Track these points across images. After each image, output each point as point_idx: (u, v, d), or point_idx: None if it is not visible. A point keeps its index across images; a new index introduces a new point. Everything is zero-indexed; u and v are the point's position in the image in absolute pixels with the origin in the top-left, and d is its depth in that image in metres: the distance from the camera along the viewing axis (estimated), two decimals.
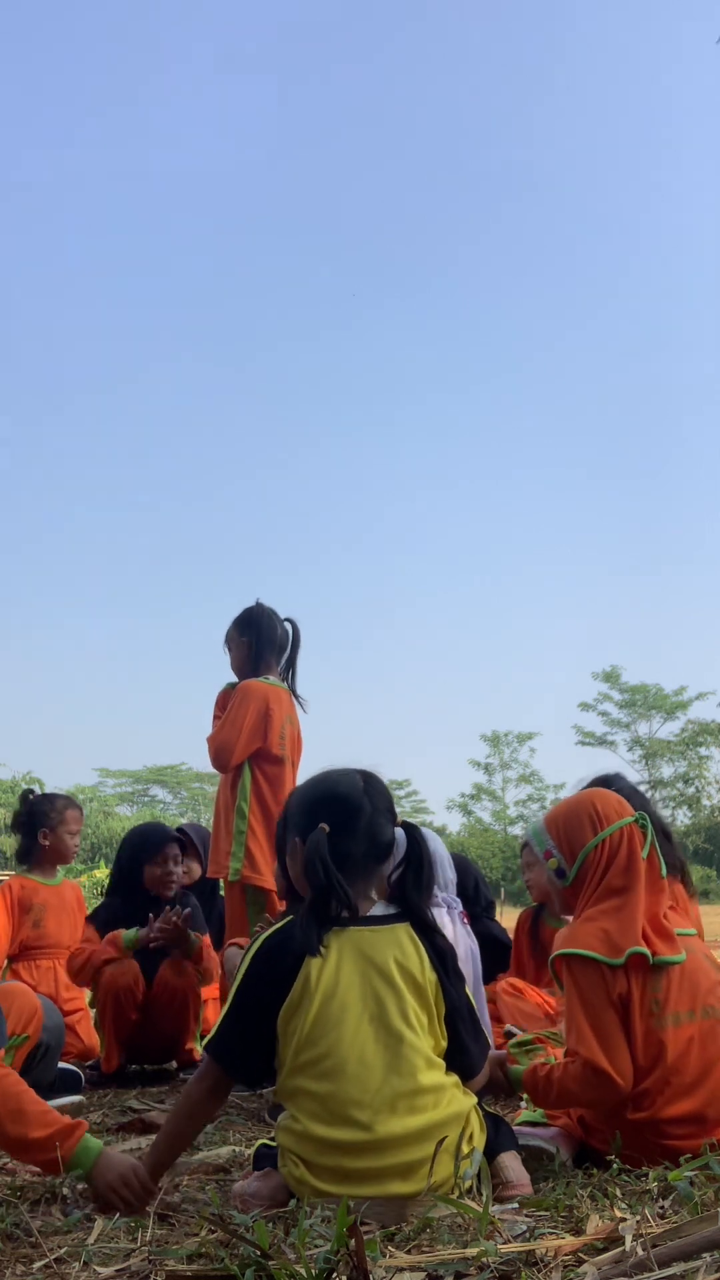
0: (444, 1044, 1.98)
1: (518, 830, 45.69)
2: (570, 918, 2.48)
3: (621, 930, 2.28)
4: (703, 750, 44.47)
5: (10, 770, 35.63)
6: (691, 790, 44.52)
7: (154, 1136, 2.72)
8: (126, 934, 3.68)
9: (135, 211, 64.67)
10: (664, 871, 2.44)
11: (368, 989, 1.93)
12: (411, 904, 2.04)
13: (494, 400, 64.36)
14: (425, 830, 2.26)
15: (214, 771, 4.28)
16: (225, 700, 4.15)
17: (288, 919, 2.04)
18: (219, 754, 4.01)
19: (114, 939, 3.70)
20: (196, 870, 4.54)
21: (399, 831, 2.10)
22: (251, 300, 64.38)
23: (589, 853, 2.42)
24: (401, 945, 1.98)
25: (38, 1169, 2.12)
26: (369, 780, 2.10)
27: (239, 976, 2.00)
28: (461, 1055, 2.01)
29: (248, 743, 4.00)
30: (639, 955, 2.25)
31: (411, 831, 2.11)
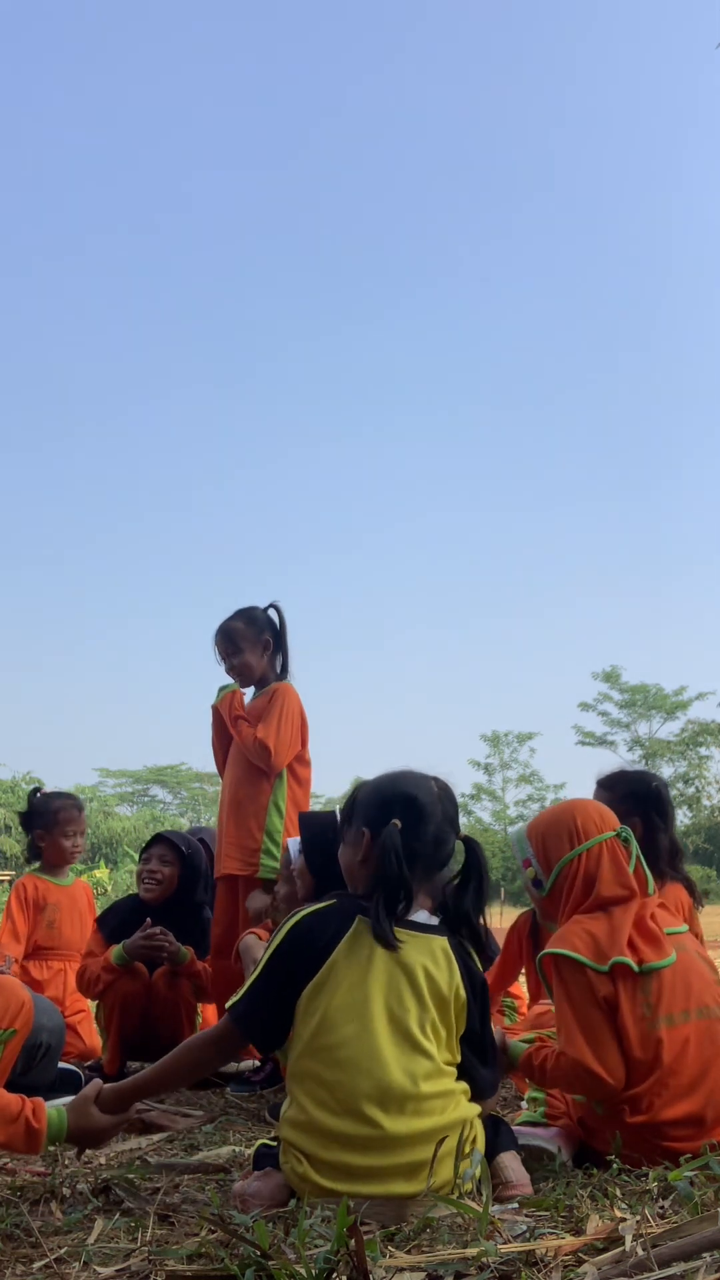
0: (457, 1059, 1.99)
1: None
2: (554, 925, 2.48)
3: (609, 939, 2.28)
4: (703, 750, 44.50)
5: (10, 770, 35.69)
6: (691, 790, 44.53)
7: (154, 1137, 2.73)
8: (114, 951, 3.73)
9: (133, 214, 64.64)
10: (650, 889, 2.42)
11: (393, 989, 1.93)
12: (467, 917, 2.07)
13: (495, 403, 64.38)
14: None
15: (214, 771, 4.23)
16: (242, 703, 4.03)
17: (330, 901, 2.07)
18: (277, 755, 3.91)
19: (105, 961, 3.74)
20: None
21: (460, 843, 2.13)
22: (250, 302, 64.37)
23: (564, 865, 2.42)
24: (434, 955, 1.99)
25: (39, 1171, 2.13)
26: (442, 788, 2.14)
27: (272, 945, 2.03)
28: (469, 1075, 2.01)
29: (291, 744, 3.98)
30: (623, 965, 2.24)
31: (471, 845, 2.14)
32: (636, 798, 3.22)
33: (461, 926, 2.06)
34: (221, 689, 4.10)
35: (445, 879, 2.11)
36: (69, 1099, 2.15)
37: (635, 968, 2.25)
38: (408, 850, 2.02)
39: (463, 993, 1.98)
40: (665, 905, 2.47)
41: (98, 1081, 2.17)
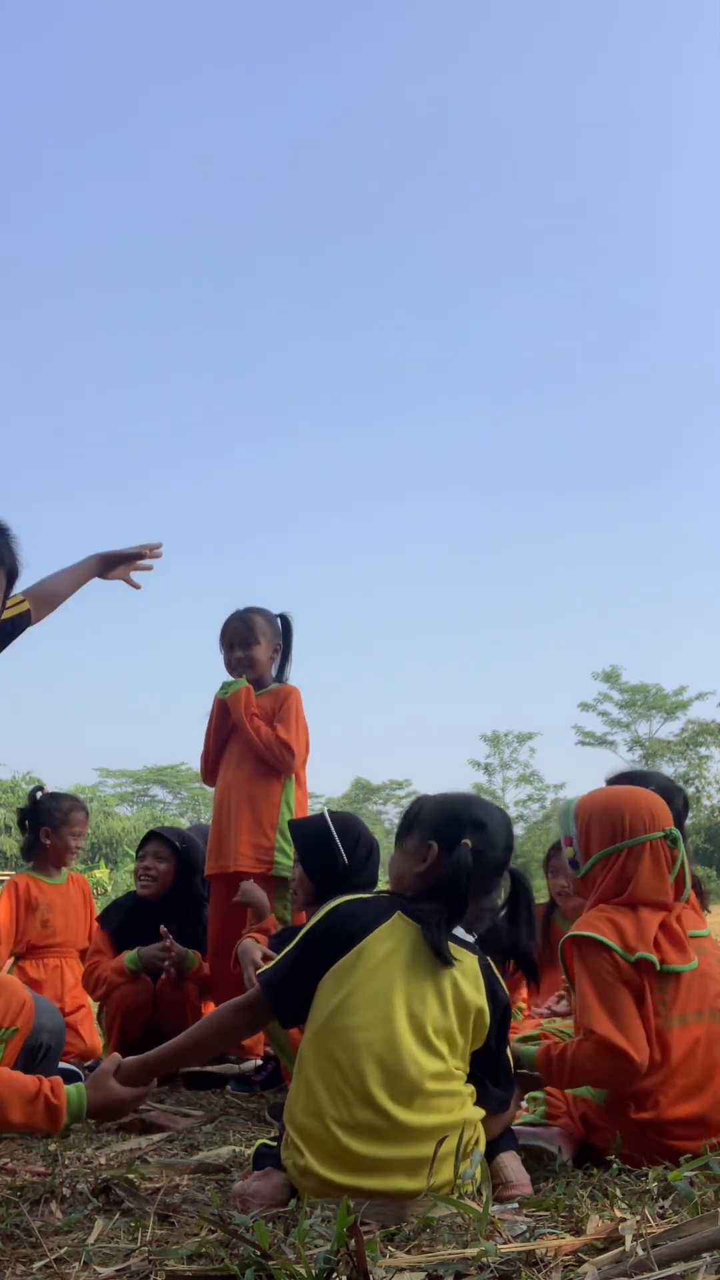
0: (466, 1069, 2.00)
1: (518, 830, 45.45)
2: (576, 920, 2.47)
3: (636, 934, 2.29)
4: (703, 750, 44.45)
5: (10, 770, 35.69)
6: (691, 790, 44.45)
7: (154, 1137, 2.72)
8: (128, 957, 3.74)
9: (130, 210, 64.67)
10: (685, 895, 2.40)
11: (417, 988, 1.95)
12: (520, 948, 2.17)
13: (497, 401, 64.41)
14: None
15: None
16: (253, 699, 4.00)
17: (374, 893, 2.17)
18: (298, 757, 3.92)
19: (118, 965, 3.76)
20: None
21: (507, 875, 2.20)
22: (249, 298, 64.40)
23: (603, 857, 2.41)
24: (464, 968, 2.01)
25: (39, 1171, 2.13)
26: (506, 819, 2.22)
27: (312, 922, 2.09)
28: (478, 1090, 2.01)
29: (307, 746, 4.00)
30: (647, 961, 2.25)
31: (518, 877, 2.21)
32: None
33: (511, 957, 2.15)
34: (229, 684, 4.03)
35: (489, 906, 2.16)
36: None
37: (658, 966, 2.25)
38: (473, 871, 2.07)
39: (486, 1010, 2.01)
40: (691, 905, 2.46)
41: (116, 1056, 2.18)
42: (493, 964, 2.10)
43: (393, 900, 2.10)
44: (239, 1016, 2.15)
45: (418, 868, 2.15)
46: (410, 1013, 1.93)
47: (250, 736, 3.92)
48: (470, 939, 2.10)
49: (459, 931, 2.08)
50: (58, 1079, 2.12)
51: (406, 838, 2.22)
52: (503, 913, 2.18)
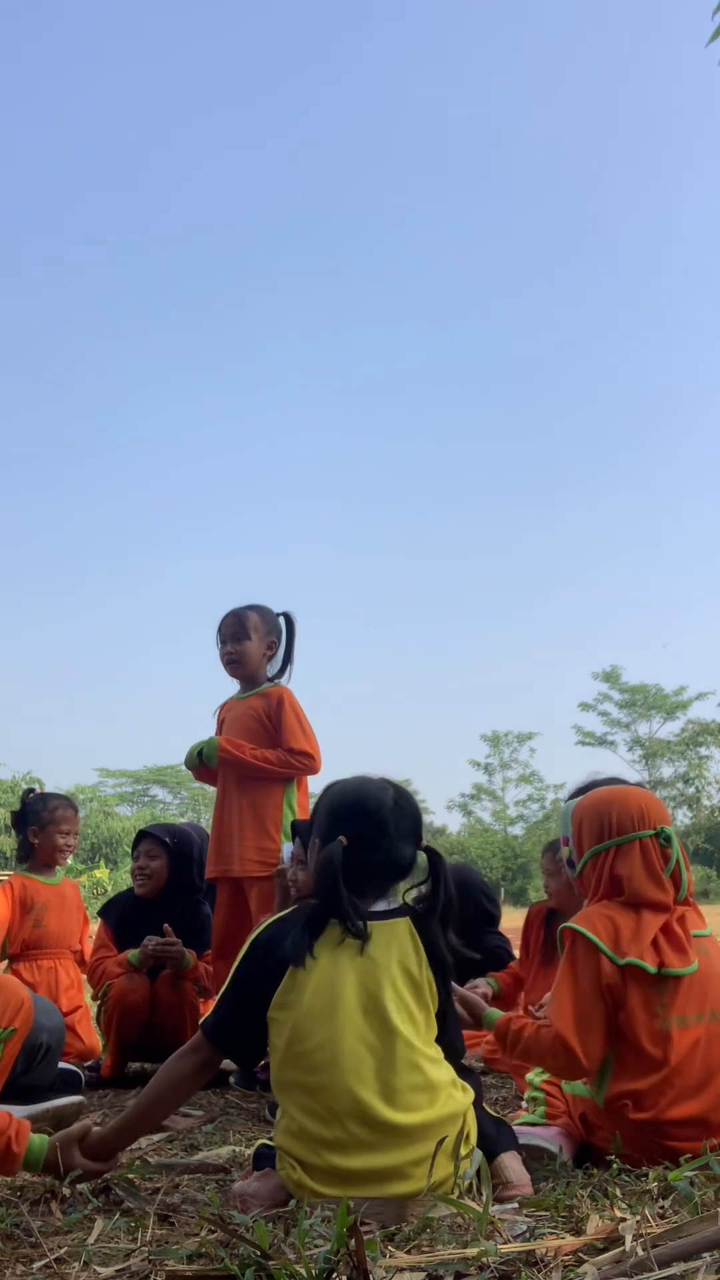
0: (434, 1036, 1.98)
1: (518, 830, 45.71)
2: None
3: (632, 936, 2.28)
4: (703, 750, 44.45)
5: (10, 770, 35.68)
6: (691, 790, 44.51)
7: (154, 1137, 2.73)
8: (130, 955, 3.75)
9: (128, 209, 64.72)
10: (681, 894, 2.38)
11: (364, 983, 1.93)
12: (429, 935, 2.03)
13: (493, 401, 64.44)
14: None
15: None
16: (266, 706, 3.93)
17: (291, 910, 2.08)
18: (316, 757, 3.87)
19: (120, 959, 3.77)
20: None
21: (420, 855, 2.10)
22: (248, 297, 64.44)
23: (593, 855, 2.42)
24: (401, 941, 1.99)
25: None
26: (400, 797, 2.10)
27: (239, 960, 2.04)
28: (449, 1054, 2.02)
29: (317, 745, 3.95)
30: (636, 967, 2.24)
31: (433, 857, 2.11)
32: None
33: (432, 938, 2.03)
34: (199, 750, 3.89)
35: (404, 890, 2.09)
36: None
37: (651, 971, 2.24)
38: (359, 863, 2.00)
39: (428, 970, 1.99)
40: (693, 905, 2.44)
41: (88, 1123, 2.13)
42: (427, 918, 2.03)
43: (308, 909, 2.04)
44: (188, 1068, 2.07)
45: (313, 870, 2.10)
46: (365, 1010, 1.91)
47: (263, 771, 3.84)
48: (394, 905, 2.05)
49: (380, 905, 2.03)
50: (25, 1124, 2.07)
51: (308, 841, 2.19)
52: (419, 895, 2.09)
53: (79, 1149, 2.07)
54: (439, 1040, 2.00)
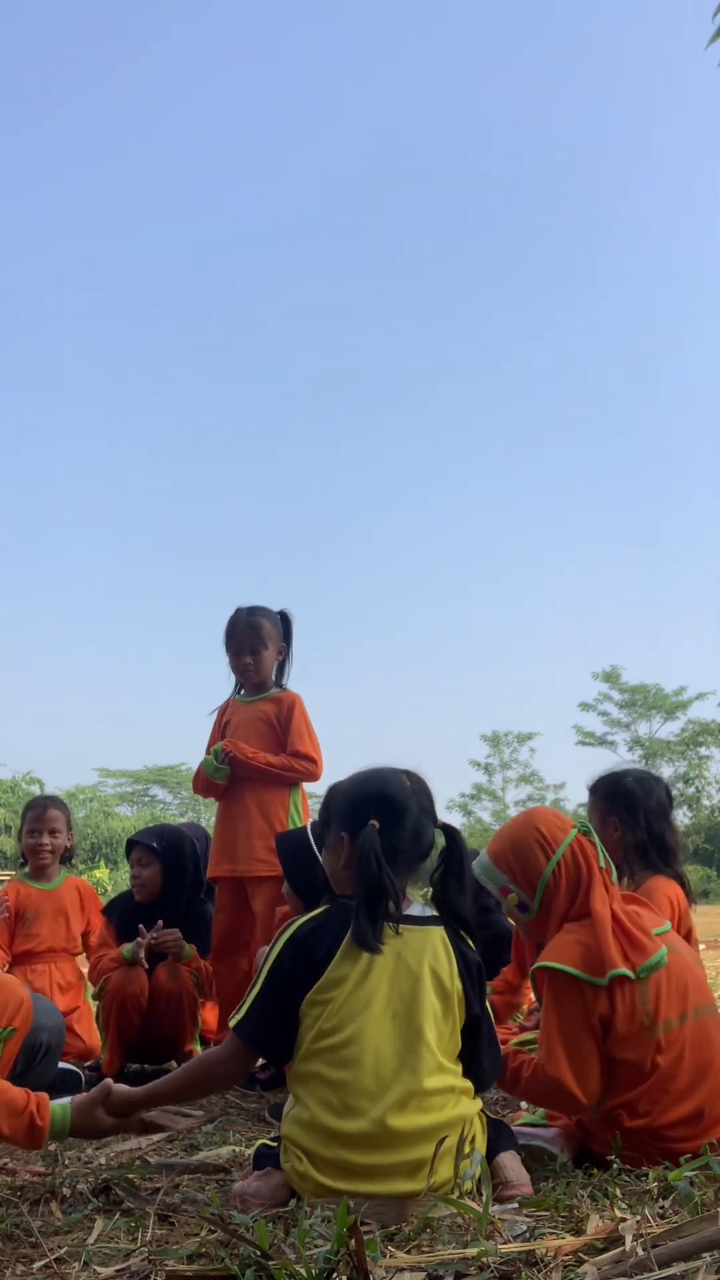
0: (458, 1049, 1.99)
1: None
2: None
3: (601, 948, 2.23)
4: (703, 750, 44.43)
5: (10, 770, 35.71)
6: (691, 790, 44.48)
7: (154, 1137, 2.72)
8: (125, 950, 3.76)
9: (128, 209, 64.69)
10: (614, 877, 2.39)
11: (396, 986, 1.95)
12: (452, 905, 2.08)
13: (494, 400, 64.44)
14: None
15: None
16: (277, 712, 3.96)
17: (323, 909, 2.08)
18: (319, 762, 3.89)
19: (116, 955, 3.79)
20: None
21: (438, 832, 2.13)
22: (248, 299, 64.42)
23: (548, 879, 2.36)
24: (435, 948, 2.00)
25: (39, 1171, 2.13)
26: (414, 780, 2.14)
27: (270, 958, 2.04)
28: (474, 1068, 2.02)
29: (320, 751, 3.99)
30: (620, 977, 2.21)
31: (451, 833, 2.14)
32: (611, 797, 3.30)
33: (449, 916, 2.07)
34: (214, 760, 3.88)
35: (429, 870, 2.12)
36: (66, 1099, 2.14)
37: (632, 975, 2.22)
38: (388, 849, 2.01)
39: (459, 982, 2.00)
40: (640, 901, 2.44)
41: (109, 1082, 2.18)
42: (460, 929, 2.06)
43: (342, 909, 2.04)
44: (222, 1068, 2.13)
45: (340, 864, 2.11)
46: (394, 1013, 1.92)
47: (270, 771, 3.86)
48: (430, 913, 2.07)
49: (415, 909, 2.05)
50: (44, 1096, 2.11)
51: (325, 835, 2.19)
52: (437, 873, 2.11)
53: (101, 1110, 2.13)
54: (473, 1061, 2.01)
